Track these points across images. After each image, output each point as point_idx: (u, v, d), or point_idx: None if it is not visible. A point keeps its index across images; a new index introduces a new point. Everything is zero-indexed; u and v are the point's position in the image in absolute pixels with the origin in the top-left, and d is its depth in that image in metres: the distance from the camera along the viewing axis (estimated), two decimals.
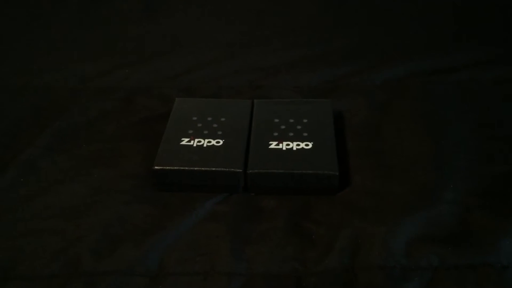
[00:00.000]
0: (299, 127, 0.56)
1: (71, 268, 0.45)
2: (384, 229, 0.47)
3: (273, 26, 0.78)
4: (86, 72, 0.70)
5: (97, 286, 0.43)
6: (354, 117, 0.61)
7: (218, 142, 0.55)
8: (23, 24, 0.79)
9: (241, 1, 0.82)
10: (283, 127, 0.57)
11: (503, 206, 0.49)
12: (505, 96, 0.64)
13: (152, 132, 0.59)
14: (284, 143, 0.54)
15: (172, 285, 0.44)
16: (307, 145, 0.54)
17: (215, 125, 0.57)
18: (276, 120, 0.57)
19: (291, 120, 0.57)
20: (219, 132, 0.56)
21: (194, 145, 0.54)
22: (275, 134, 0.56)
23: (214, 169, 0.52)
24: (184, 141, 0.55)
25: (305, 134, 0.55)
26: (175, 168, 0.52)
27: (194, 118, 0.58)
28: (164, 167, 0.52)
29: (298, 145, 0.54)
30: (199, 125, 0.57)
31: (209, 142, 0.55)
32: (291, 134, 0.56)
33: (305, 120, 0.57)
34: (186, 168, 0.52)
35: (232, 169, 0.52)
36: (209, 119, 0.58)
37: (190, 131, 0.56)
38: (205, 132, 0.56)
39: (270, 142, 0.55)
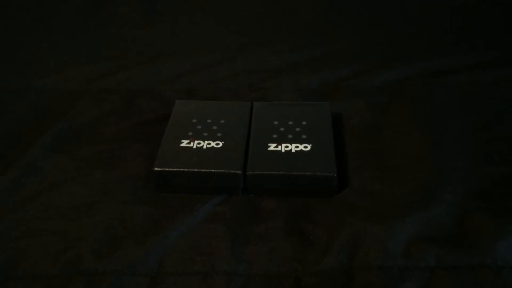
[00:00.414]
0: (298, 129, 0.57)
1: (72, 268, 0.45)
2: (382, 229, 0.47)
3: (273, 28, 0.79)
4: (87, 74, 0.70)
5: (98, 285, 0.44)
6: (353, 119, 0.61)
7: (217, 144, 0.55)
8: (25, 26, 0.80)
9: (241, 4, 0.83)
10: (282, 129, 0.57)
11: (500, 207, 0.49)
12: (503, 98, 0.64)
13: (152, 133, 0.60)
14: (283, 145, 0.55)
15: (172, 284, 0.44)
16: (305, 147, 0.55)
17: (214, 127, 0.57)
18: (275, 122, 0.58)
19: (290, 122, 0.58)
20: (219, 134, 0.56)
21: (194, 147, 0.55)
22: (274, 136, 0.56)
23: (213, 170, 0.52)
24: (184, 143, 0.55)
25: (304, 136, 0.56)
26: (175, 169, 0.52)
27: (194, 120, 0.58)
28: (165, 169, 0.52)
29: (297, 147, 0.55)
30: (199, 127, 0.57)
31: (208, 144, 0.55)
32: (290, 136, 0.56)
33: (304, 122, 0.58)
34: (186, 169, 0.52)
35: (232, 171, 0.52)
36: (209, 121, 0.58)
37: (190, 133, 0.56)
38: (205, 134, 0.56)
39: (269, 144, 0.55)
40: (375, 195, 0.52)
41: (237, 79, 0.69)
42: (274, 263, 0.46)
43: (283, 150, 0.54)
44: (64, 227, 0.49)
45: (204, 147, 0.55)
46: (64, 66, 0.72)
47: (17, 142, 0.59)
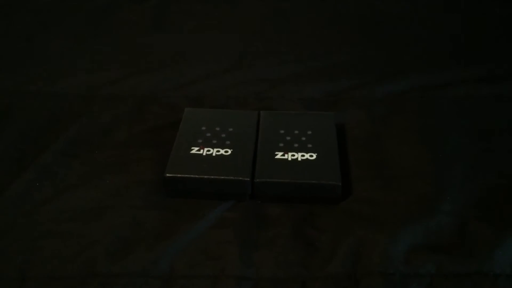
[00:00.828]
0: (303, 138, 0.59)
1: (86, 269, 0.47)
2: (384, 237, 0.49)
3: (279, 39, 0.81)
4: (97, 80, 0.72)
5: (113, 287, 0.46)
6: (355, 130, 0.63)
7: (226, 152, 0.57)
8: (36, 32, 0.82)
9: (248, 15, 0.85)
10: (288, 138, 0.59)
11: (497, 217, 0.51)
12: (500, 111, 0.67)
13: (161, 140, 0.62)
14: (290, 153, 0.57)
15: (184, 287, 0.46)
16: (311, 156, 0.57)
17: (223, 135, 0.59)
18: (282, 131, 0.60)
19: (296, 132, 0.60)
20: (227, 142, 0.58)
21: (204, 154, 0.57)
22: (281, 144, 0.58)
23: (223, 177, 0.54)
24: (194, 150, 0.57)
25: (310, 145, 0.58)
26: (186, 176, 0.54)
27: (203, 128, 0.60)
28: (175, 175, 0.54)
29: (302, 155, 0.57)
30: (208, 134, 0.59)
31: (217, 151, 0.57)
32: (296, 145, 0.58)
33: (309, 132, 0.60)
34: (196, 176, 0.54)
35: (240, 178, 0.54)
36: (218, 129, 0.60)
37: (200, 140, 0.58)
38: (214, 141, 0.58)
39: (276, 153, 0.57)
40: (377, 203, 0.54)
41: (244, 88, 0.71)
42: (281, 267, 0.48)
43: (289, 159, 0.56)
44: (78, 230, 0.51)
45: (214, 154, 0.57)
46: (74, 72, 0.74)
47: (31, 146, 0.60)
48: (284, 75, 0.73)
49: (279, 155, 0.57)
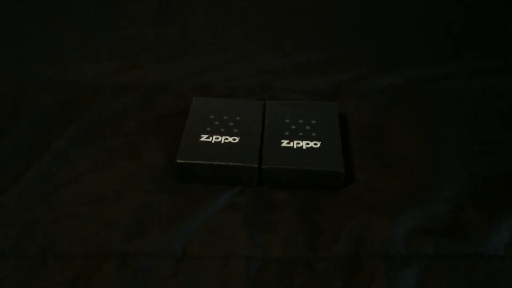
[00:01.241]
0: (308, 127, 0.61)
1: (104, 250, 0.50)
2: (386, 221, 0.52)
3: (283, 31, 0.83)
4: (106, 70, 0.74)
5: (129, 266, 0.48)
6: (358, 119, 0.66)
7: (234, 139, 0.59)
8: (46, 22, 0.84)
9: (253, 7, 0.87)
10: (293, 127, 0.61)
11: (492, 203, 0.54)
12: (498, 103, 0.69)
13: (170, 127, 0.64)
14: (295, 141, 0.59)
15: (196, 266, 0.49)
16: (315, 144, 0.59)
17: (231, 123, 0.62)
18: (287, 120, 0.62)
19: (301, 121, 0.62)
20: (235, 130, 0.61)
21: (213, 141, 0.59)
22: (286, 133, 0.61)
23: (231, 163, 0.57)
24: (203, 138, 0.60)
25: (314, 134, 0.60)
26: (196, 162, 0.57)
27: (211, 117, 0.63)
28: (186, 161, 0.57)
29: (307, 144, 0.59)
30: (216, 123, 0.62)
31: (226, 139, 0.59)
32: (301, 133, 0.61)
33: (313, 121, 0.62)
34: (206, 162, 0.57)
35: (248, 164, 0.56)
36: (225, 117, 0.62)
37: (208, 128, 0.61)
38: (222, 129, 0.61)
39: (282, 141, 0.59)
40: (378, 190, 0.56)
41: (249, 78, 0.73)
42: (287, 248, 0.50)
43: (294, 147, 0.59)
44: (94, 213, 0.53)
45: (222, 141, 0.59)
46: (84, 62, 0.76)
47: (46, 132, 0.63)
48: (288, 66, 0.75)
49: (284, 143, 0.59)
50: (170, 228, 0.51)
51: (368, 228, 0.52)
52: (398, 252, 0.50)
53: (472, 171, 0.58)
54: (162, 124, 0.65)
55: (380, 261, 0.49)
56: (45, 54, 0.77)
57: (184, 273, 0.48)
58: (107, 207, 0.54)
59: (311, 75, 0.74)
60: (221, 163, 0.57)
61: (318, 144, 0.59)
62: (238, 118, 0.62)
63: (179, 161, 0.57)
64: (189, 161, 0.57)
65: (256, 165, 0.56)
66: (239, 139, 0.59)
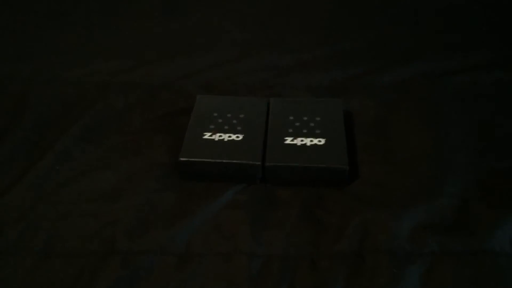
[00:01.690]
0: (312, 124, 0.61)
1: (107, 247, 0.50)
2: (390, 217, 0.52)
3: (286, 28, 0.83)
4: (110, 68, 0.74)
5: (132, 263, 0.48)
6: (362, 116, 0.65)
7: (237, 137, 0.59)
8: (51, 22, 0.84)
9: (256, 4, 0.87)
10: (297, 124, 0.61)
11: (497, 199, 0.53)
12: (502, 97, 0.68)
13: (174, 125, 0.64)
14: (299, 138, 0.59)
15: (199, 263, 0.49)
16: (319, 141, 0.59)
17: (234, 121, 0.61)
18: (291, 118, 0.62)
19: (305, 118, 0.62)
20: (239, 128, 0.60)
21: (216, 139, 0.59)
22: (290, 130, 0.60)
23: (235, 161, 0.56)
24: (207, 135, 0.59)
25: (318, 131, 0.60)
26: (200, 159, 0.57)
27: (215, 114, 0.62)
28: (189, 159, 0.57)
29: (311, 141, 0.59)
30: (220, 120, 0.62)
31: (229, 136, 0.59)
32: (305, 130, 0.60)
33: (317, 118, 0.62)
34: (210, 160, 0.56)
35: (252, 162, 0.56)
36: (229, 115, 0.62)
37: (212, 126, 0.61)
38: (226, 127, 0.61)
39: (286, 138, 0.59)
40: (383, 186, 0.56)
41: (253, 75, 0.73)
42: (290, 245, 0.50)
43: (298, 144, 0.58)
44: (97, 211, 0.53)
45: (225, 139, 0.59)
46: (87, 61, 0.76)
47: (50, 131, 0.63)
48: (292, 63, 0.75)
49: (288, 140, 0.59)
50: (173, 226, 0.51)
51: (372, 224, 0.51)
52: (402, 248, 0.49)
53: (478, 166, 0.58)
54: (166, 122, 0.65)
55: (384, 257, 0.48)
56: (49, 52, 0.78)
57: (187, 270, 0.48)
58: (111, 205, 0.54)
59: (316, 71, 0.74)
60: (224, 160, 0.56)
61: (323, 141, 0.59)
62: (241, 116, 0.62)
63: (182, 159, 0.57)
64: (192, 159, 0.57)
65: (259, 163, 0.56)
66: (243, 137, 0.59)
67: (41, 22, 0.84)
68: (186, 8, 0.86)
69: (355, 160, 0.59)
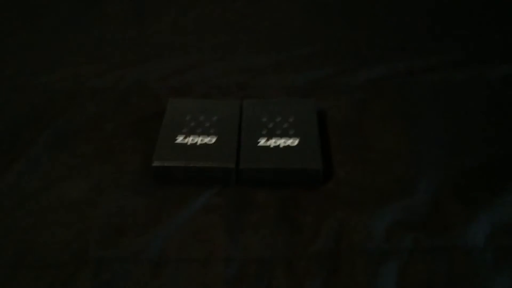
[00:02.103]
0: (285, 125, 0.61)
1: (79, 256, 0.49)
2: (365, 216, 0.52)
3: (258, 29, 0.82)
4: (80, 73, 0.73)
5: (105, 273, 0.47)
6: (336, 115, 0.66)
7: (210, 140, 0.59)
8: (17, 26, 0.82)
9: (227, 6, 0.87)
10: (270, 125, 0.61)
11: (469, 196, 0.54)
12: (474, 96, 0.69)
13: (146, 130, 0.63)
14: (272, 140, 0.59)
15: (174, 270, 0.48)
16: (293, 142, 0.59)
17: (207, 124, 0.61)
18: (264, 119, 0.62)
19: (278, 119, 0.62)
20: (212, 130, 0.60)
21: (189, 143, 0.58)
22: (264, 132, 0.60)
23: (208, 165, 0.56)
24: (179, 139, 0.59)
25: (292, 132, 0.60)
26: (172, 164, 0.56)
27: (187, 117, 0.62)
28: (163, 164, 0.56)
29: (285, 142, 0.59)
30: (192, 124, 0.61)
31: (202, 140, 0.59)
32: (279, 131, 0.60)
33: (291, 119, 0.62)
34: (183, 164, 0.56)
35: (225, 165, 0.56)
36: (202, 118, 0.62)
37: (184, 130, 0.60)
38: (198, 130, 0.60)
39: (259, 140, 0.59)
40: (357, 185, 0.56)
41: (226, 77, 0.73)
42: (267, 248, 0.50)
43: (272, 145, 0.58)
44: (69, 219, 0.52)
45: (198, 143, 0.58)
46: (58, 66, 0.74)
47: (19, 139, 0.61)
48: (265, 64, 0.75)
49: (262, 142, 0.59)
50: (147, 232, 0.51)
51: (347, 224, 0.51)
52: (377, 247, 0.49)
53: (451, 163, 0.58)
54: (138, 127, 0.64)
55: (360, 256, 0.49)
56: (17, 58, 0.76)
57: (162, 277, 0.48)
58: (82, 213, 0.53)
59: (289, 72, 0.74)
60: (197, 164, 0.56)
61: (296, 142, 0.59)
62: (214, 118, 0.62)
63: (154, 164, 0.56)
64: (165, 164, 0.56)
65: (233, 166, 0.56)
66: (216, 140, 0.59)
67: (9, 27, 0.82)
68: (157, 11, 0.86)
69: (329, 160, 0.59)
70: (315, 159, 0.57)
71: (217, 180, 0.56)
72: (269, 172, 0.56)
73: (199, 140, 0.59)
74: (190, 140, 0.59)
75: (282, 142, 0.58)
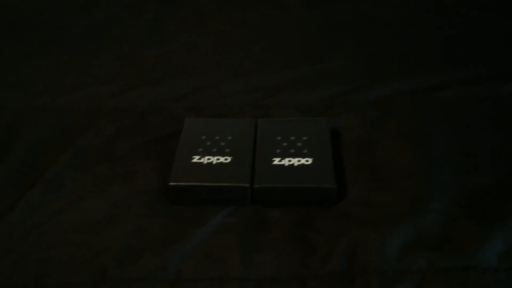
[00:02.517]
0: (299, 144, 0.62)
1: (98, 276, 0.50)
2: (378, 236, 0.52)
3: (272, 48, 0.84)
4: (99, 94, 0.75)
5: None
6: (349, 134, 0.66)
7: (226, 159, 0.60)
8: (38, 47, 0.85)
9: (241, 26, 0.88)
10: (284, 144, 0.62)
11: (483, 215, 0.54)
12: (487, 113, 0.69)
13: (163, 150, 0.64)
14: (286, 159, 0.60)
15: None
16: (307, 160, 0.59)
17: (222, 143, 0.62)
18: (278, 138, 0.63)
19: (292, 138, 0.63)
20: (227, 150, 0.61)
21: (205, 162, 0.60)
22: (278, 151, 0.61)
23: (223, 184, 0.57)
24: (195, 159, 0.60)
25: (305, 151, 0.61)
26: (188, 184, 0.57)
27: (203, 137, 0.63)
28: (179, 183, 0.57)
29: (299, 161, 0.59)
30: (208, 143, 0.62)
31: (217, 159, 0.60)
32: (292, 150, 0.61)
33: (304, 138, 0.63)
34: (199, 183, 0.57)
35: (240, 184, 0.57)
36: (217, 137, 0.63)
37: (200, 149, 0.61)
38: (214, 150, 0.61)
39: (274, 159, 0.60)
40: (370, 204, 0.57)
41: (240, 96, 0.74)
42: (281, 268, 0.50)
43: (286, 164, 0.59)
44: (88, 239, 0.53)
45: (214, 162, 0.59)
46: (76, 87, 0.76)
47: (39, 159, 0.63)
48: (278, 83, 0.76)
49: (276, 161, 0.60)
50: (163, 252, 0.52)
51: (360, 244, 0.52)
52: (391, 267, 0.50)
53: (463, 182, 0.58)
54: (155, 147, 0.66)
55: (373, 277, 0.49)
56: (37, 80, 0.78)
57: None
58: (101, 233, 0.54)
59: (302, 90, 0.75)
60: (213, 184, 0.57)
61: (310, 161, 0.59)
62: (229, 138, 0.63)
63: (171, 183, 0.57)
64: (181, 183, 0.57)
65: (248, 185, 0.57)
66: (231, 159, 0.60)
67: (28, 50, 0.84)
68: (171, 31, 0.87)
69: (343, 178, 0.60)
70: (328, 177, 0.57)
71: (232, 199, 0.57)
72: (283, 191, 0.57)
73: (214, 159, 0.60)
74: (206, 159, 0.60)
75: (296, 161, 0.59)
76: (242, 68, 0.80)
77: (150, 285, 0.49)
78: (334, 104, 0.72)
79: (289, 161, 0.59)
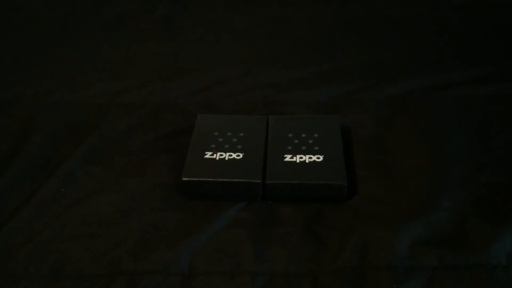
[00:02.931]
0: (310, 141, 0.62)
1: (113, 268, 0.51)
2: (389, 233, 0.53)
3: (284, 46, 0.84)
4: (112, 89, 0.76)
5: (137, 284, 0.49)
6: (360, 131, 0.67)
7: (238, 156, 0.61)
8: (53, 45, 0.86)
9: (254, 23, 0.89)
10: (296, 141, 0.62)
11: (494, 213, 0.54)
12: (499, 111, 0.69)
13: (176, 145, 0.65)
14: (298, 156, 0.60)
15: (203, 283, 0.50)
16: (318, 157, 0.60)
17: (234, 140, 0.63)
18: (290, 135, 0.63)
19: (303, 135, 0.63)
20: (239, 146, 0.62)
21: (217, 158, 0.60)
22: (289, 147, 0.62)
23: (235, 180, 0.58)
24: (208, 155, 0.61)
25: (316, 148, 0.61)
26: (201, 179, 0.58)
27: (216, 133, 0.64)
28: (192, 178, 0.58)
29: (310, 157, 0.60)
30: (220, 139, 0.63)
31: (230, 155, 0.61)
32: (304, 147, 0.61)
33: (316, 135, 0.63)
34: (211, 179, 0.58)
35: (252, 180, 0.57)
36: (229, 134, 0.64)
37: (213, 145, 0.62)
38: (226, 146, 0.62)
39: (285, 155, 0.60)
40: (381, 201, 0.57)
41: (252, 93, 0.74)
42: (292, 263, 0.51)
43: (297, 161, 0.60)
44: (103, 232, 0.54)
45: (226, 158, 0.60)
46: (90, 82, 0.77)
47: (55, 153, 0.64)
48: (290, 80, 0.77)
49: (288, 157, 0.60)
50: (177, 246, 0.53)
51: (371, 240, 0.52)
52: (402, 264, 0.50)
53: (475, 180, 0.59)
54: (168, 142, 0.66)
55: (384, 273, 0.50)
56: (52, 75, 0.79)
57: None
58: (115, 226, 0.55)
59: (314, 88, 0.75)
60: (225, 179, 0.58)
61: (321, 158, 0.60)
62: (241, 134, 0.64)
63: (184, 179, 0.58)
64: (194, 179, 0.58)
65: (259, 181, 0.57)
66: (243, 155, 0.60)
67: (44, 44, 0.86)
68: (184, 28, 0.88)
69: (353, 175, 0.60)
70: (340, 174, 0.58)
71: (244, 195, 0.58)
72: (294, 187, 0.58)
73: (227, 155, 0.61)
74: (218, 155, 0.61)
75: (307, 158, 0.60)
76: (254, 65, 0.80)
77: (163, 278, 0.50)
78: (345, 102, 0.72)
79: (301, 158, 0.60)
